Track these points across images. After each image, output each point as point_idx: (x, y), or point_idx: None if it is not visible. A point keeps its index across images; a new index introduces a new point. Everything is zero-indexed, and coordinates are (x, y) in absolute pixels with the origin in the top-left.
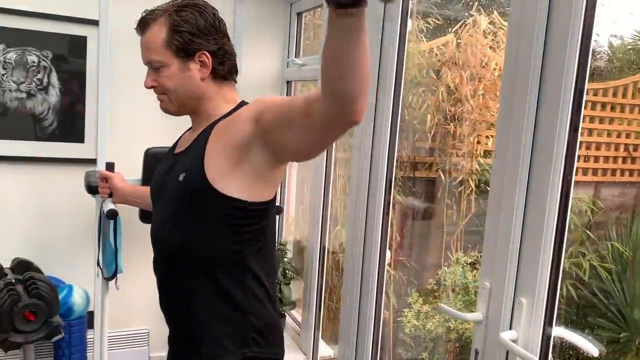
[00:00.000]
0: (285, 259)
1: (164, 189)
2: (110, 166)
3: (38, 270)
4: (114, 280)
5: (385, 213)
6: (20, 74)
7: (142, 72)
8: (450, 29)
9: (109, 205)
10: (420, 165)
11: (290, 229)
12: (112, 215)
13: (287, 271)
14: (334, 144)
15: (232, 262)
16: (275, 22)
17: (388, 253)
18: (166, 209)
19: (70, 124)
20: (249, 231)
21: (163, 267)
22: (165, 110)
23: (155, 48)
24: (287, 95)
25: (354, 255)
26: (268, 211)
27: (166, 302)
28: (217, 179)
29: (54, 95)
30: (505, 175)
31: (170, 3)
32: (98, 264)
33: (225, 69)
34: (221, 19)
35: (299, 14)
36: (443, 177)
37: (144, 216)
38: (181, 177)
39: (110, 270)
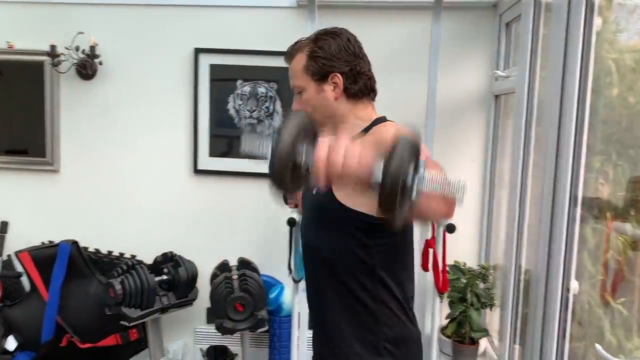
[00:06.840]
0: (480, 283)
1: (306, 195)
2: None
3: (255, 270)
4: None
5: (569, 237)
6: (253, 104)
7: None
8: None
9: (293, 215)
10: None
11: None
12: (291, 223)
13: (477, 295)
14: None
15: (361, 271)
16: (482, 35)
17: (575, 284)
18: (307, 214)
19: None
20: (380, 244)
21: (307, 266)
22: None
23: (296, 74)
24: (494, 111)
25: (535, 279)
26: None
27: (309, 301)
28: (342, 195)
29: (277, 121)
30: None
31: (314, 33)
32: (289, 267)
33: (357, 87)
34: (357, 43)
35: (508, 24)
36: None
37: None
38: (315, 191)
39: (299, 274)
